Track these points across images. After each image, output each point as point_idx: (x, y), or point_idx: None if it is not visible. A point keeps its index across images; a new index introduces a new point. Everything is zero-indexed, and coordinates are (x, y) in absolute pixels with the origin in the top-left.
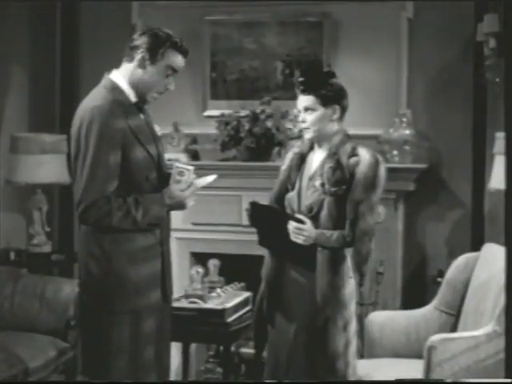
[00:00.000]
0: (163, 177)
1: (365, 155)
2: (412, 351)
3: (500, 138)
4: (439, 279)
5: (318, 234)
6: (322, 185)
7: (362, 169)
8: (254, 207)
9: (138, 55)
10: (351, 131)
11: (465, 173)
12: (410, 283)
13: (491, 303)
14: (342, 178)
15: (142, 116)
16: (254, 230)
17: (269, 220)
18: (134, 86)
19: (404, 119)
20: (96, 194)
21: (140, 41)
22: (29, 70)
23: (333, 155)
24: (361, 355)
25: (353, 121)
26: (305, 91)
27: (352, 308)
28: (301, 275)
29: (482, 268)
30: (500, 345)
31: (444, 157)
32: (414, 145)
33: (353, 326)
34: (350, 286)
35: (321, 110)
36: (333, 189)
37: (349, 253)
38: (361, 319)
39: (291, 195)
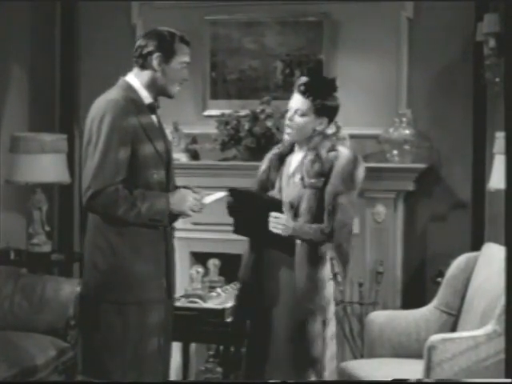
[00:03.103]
0: (170, 176)
1: (344, 151)
2: (412, 351)
3: (500, 137)
4: (439, 279)
5: (297, 226)
6: (302, 179)
7: (341, 162)
8: (235, 194)
9: (154, 60)
10: (351, 131)
11: (465, 172)
12: (410, 283)
13: (491, 303)
14: (321, 170)
15: (153, 116)
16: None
17: (248, 205)
18: (152, 88)
19: (404, 119)
20: (105, 181)
21: (151, 46)
22: (29, 70)
23: (312, 150)
24: (361, 355)
25: (353, 121)
26: (304, 94)
27: (331, 310)
28: (280, 265)
29: (482, 268)
30: (500, 345)
31: (444, 156)
32: (413, 144)
33: (331, 329)
34: (329, 287)
35: (310, 117)
36: (312, 180)
37: (330, 253)
38: (361, 319)
39: (273, 194)
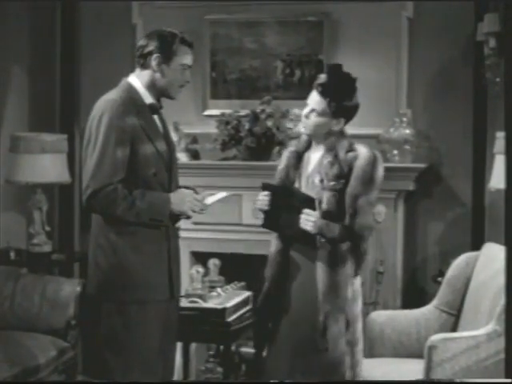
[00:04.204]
0: (173, 177)
1: (363, 151)
2: (412, 351)
3: (500, 137)
4: (439, 279)
5: (323, 224)
6: (321, 181)
7: (360, 163)
8: (270, 188)
9: (153, 61)
10: (351, 131)
11: (465, 172)
12: (410, 283)
13: (491, 303)
14: (339, 172)
15: (155, 116)
16: (254, 229)
17: (283, 200)
18: (153, 88)
19: (404, 119)
20: (103, 180)
21: (151, 46)
22: (29, 70)
23: (330, 151)
24: None
25: (353, 120)
26: (322, 94)
27: (358, 306)
28: (304, 265)
29: (483, 267)
30: (500, 344)
31: (444, 156)
32: (414, 144)
33: (360, 324)
34: (355, 283)
35: (326, 118)
36: (331, 183)
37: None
38: (362, 319)
39: None
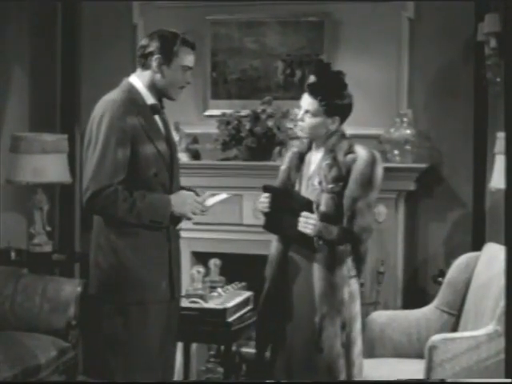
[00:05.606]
0: (174, 177)
1: (362, 152)
2: (413, 351)
3: (501, 137)
4: (440, 279)
5: (322, 226)
6: (320, 183)
7: (359, 165)
8: (271, 190)
9: (153, 62)
10: (352, 131)
11: (466, 172)
12: (410, 283)
13: (492, 303)
14: (338, 174)
15: (156, 117)
16: (255, 229)
17: (283, 202)
18: (153, 89)
19: (405, 119)
20: (103, 181)
21: (152, 47)
22: (29, 70)
23: (329, 153)
24: None
25: (354, 121)
26: (312, 94)
27: (356, 307)
28: (303, 267)
29: (483, 268)
30: (501, 345)
31: (445, 156)
32: (414, 144)
33: (357, 325)
34: (353, 284)
35: (321, 118)
36: (330, 186)
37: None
38: (362, 319)
39: None
